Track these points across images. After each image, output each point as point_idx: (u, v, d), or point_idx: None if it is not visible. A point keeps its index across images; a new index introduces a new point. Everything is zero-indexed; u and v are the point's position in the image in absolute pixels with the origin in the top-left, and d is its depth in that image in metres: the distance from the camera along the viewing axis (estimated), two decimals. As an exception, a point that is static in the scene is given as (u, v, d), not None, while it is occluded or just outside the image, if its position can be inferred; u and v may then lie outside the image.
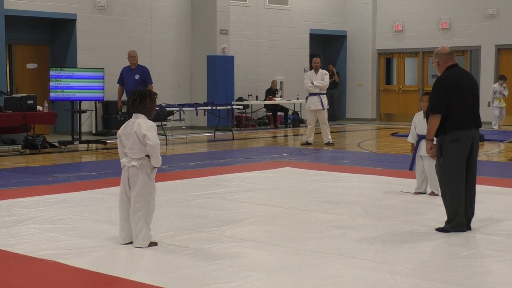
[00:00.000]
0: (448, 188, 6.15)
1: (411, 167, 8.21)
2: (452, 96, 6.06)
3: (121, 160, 5.72)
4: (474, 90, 6.28)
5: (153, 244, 5.68)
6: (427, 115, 6.28)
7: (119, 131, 5.73)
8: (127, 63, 14.74)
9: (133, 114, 5.66)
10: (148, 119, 5.65)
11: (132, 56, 13.55)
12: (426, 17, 21.55)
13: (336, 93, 22.64)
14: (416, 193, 8.18)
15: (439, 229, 6.23)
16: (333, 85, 22.38)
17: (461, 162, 6.11)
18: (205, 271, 4.97)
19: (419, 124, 8.05)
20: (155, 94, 5.78)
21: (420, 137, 8.00)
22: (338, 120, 22.61)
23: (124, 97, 13.59)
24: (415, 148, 8.12)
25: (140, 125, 5.54)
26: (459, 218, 6.14)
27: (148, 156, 5.62)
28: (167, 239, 5.91)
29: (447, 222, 6.21)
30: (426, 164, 7.96)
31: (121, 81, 13.58)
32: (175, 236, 6.04)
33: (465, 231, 6.15)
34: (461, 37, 20.81)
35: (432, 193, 8.03)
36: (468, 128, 6.14)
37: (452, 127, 6.07)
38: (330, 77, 22.24)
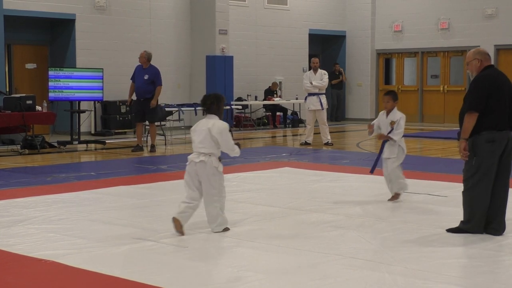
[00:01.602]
0: (477, 189, 6.01)
1: (372, 170, 7.82)
2: (490, 96, 5.95)
3: (189, 156, 6.24)
4: (511, 92, 6.18)
5: (227, 229, 6.19)
6: (462, 113, 6.10)
7: (192, 128, 6.32)
8: (126, 64, 14.78)
9: (207, 115, 6.22)
10: (220, 119, 6.22)
11: (139, 56, 13.54)
12: (425, 17, 21.55)
13: (342, 94, 22.68)
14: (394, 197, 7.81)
15: (452, 230, 6.15)
16: (339, 85, 22.41)
17: (494, 164, 6.00)
18: (204, 271, 4.97)
19: (383, 124, 7.73)
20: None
21: (385, 140, 7.71)
22: (342, 121, 22.60)
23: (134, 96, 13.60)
24: (380, 150, 7.79)
25: (215, 124, 6.10)
26: (480, 219, 6.04)
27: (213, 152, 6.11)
28: (166, 239, 5.91)
29: (465, 222, 6.11)
30: (389, 166, 7.64)
31: (133, 78, 13.59)
32: (174, 236, 6.04)
33: (482, 233, 6.08)
34: (460, 37, 20.82)
35: (396, 195, 7.74)
36: (504, 129, 6.03)
37: (488, 127, 5.95)
38: (337, 77, 22.34)
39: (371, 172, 7.89)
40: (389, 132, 7.63)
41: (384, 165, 7.76)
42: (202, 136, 6.12)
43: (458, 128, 6.17)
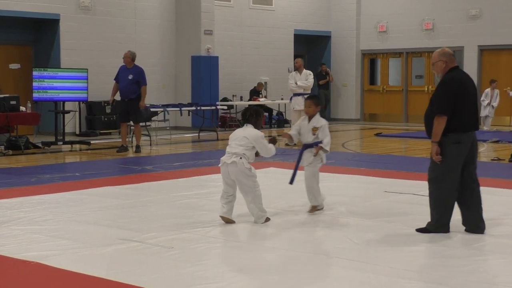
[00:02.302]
0: (442, 190, 6.08)
1: (292, 181, 7.17)
2: (458, 98, 6.01)
3: (222, 158, 6.65)
4: (475, 93, 6.27)
5: (268, 219, 6.64)
6: (429, 116, 6.14)
7: (230, 136, 6.82)
8: (111, 64, 14.73)
9: (245, 124, 6.74)
10: (255, 128, 6.71)
11: (123, 56, 13.50)
12: (409, 17, 21.64)
13: (329, 94, 22.72)
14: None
15: (420, 230, 6.21)
16: (326, 85, 22.46)
17: (459, 165, 6.06)
18: (190, 272, 4.97)
19: (304, 131, 7.15)
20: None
21: (305, 147, 7.15)
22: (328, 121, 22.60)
23: (118, 96, 13.53)
24: (298, 159, 7.16)
25: (250, 132, 6.62)
26: (445, 219, 6.12)
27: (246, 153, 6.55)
28: (151, 240, 5.89)
29: (431, 223, 6.20)
30: (305, 174, 7.15)
31: (117, 78, 13.52)
32: (159, 236, 6.03)
33: (448, 232, 6.15)
34: (444, 37, 20.91)
35: (314, 208, 7.16)
36: (470, 130, 6.11)
37: (455, 129, 6.01)
38: (324, 78, 22.38)
39: (290, 183, 7.18)
40: (316, 142, 7.08)
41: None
42: (239, 140, 6.60)
43: None
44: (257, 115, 6.76)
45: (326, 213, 7.10)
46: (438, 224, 6.14)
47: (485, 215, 6.96)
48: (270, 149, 6.68)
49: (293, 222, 6.75)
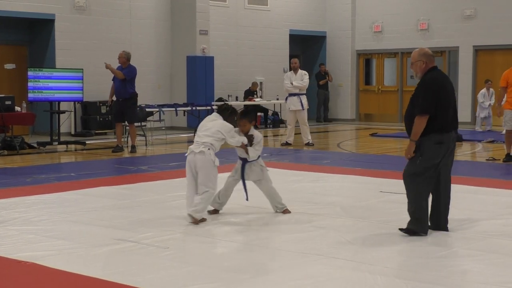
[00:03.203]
0: (421, 188, 6.09)
1: (247, 197, 7.11)
2: (439, 99, 6.04)
3: (190, 147, 6.68)
4: (454, 93, 6.33)
5: (203, 220, 6.54)
6: (410, 116, 6.16)
7: (198, 127, 6.83)
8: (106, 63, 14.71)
9: (214, 114, 6.85)
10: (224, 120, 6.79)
11: (118, 57, 13.49)
12: (405, 18, 21.67)
13: (328, 94, 22.69)
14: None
15: (403, 230, 6.17)
16: (326, 85, 22.47)
17: (438, 164, 6.10)
18: (185, 272, 4.97)
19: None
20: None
21: (244, 162, 7.04)
22: (326, 121, 22.60)
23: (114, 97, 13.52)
24: (241, 174, 7.06)
25: (222, 123, 6.70)
26: (422, 213, 6.10)
27: (213, 144, 6.63)
28: (147, 240, 5.89)
29: (412, 223, 6.13)
30: (263, 187, 7.12)
31: (114, 78, 13.49)
32: (155, 237, 6.03)
33: (426, 231, 6.09)
34: (439, 38, 20.96)
35: (286, 211, 7.12)
36: (450, 130, 6.15)
37: (437, 129, 6.04)
38: (323, 78, 22.40)
39: (247, 199, 7.13)
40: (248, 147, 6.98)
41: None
42: (209, 132, 6.64)
43: None
44: (232, 112, 6.85)
45: (321, 213, 7.11)
46: (421, 223, 6.08)
47: (480, 215, 7.01)
48: (237, 141, 6.77)
49: (288, 222, 6.75)
